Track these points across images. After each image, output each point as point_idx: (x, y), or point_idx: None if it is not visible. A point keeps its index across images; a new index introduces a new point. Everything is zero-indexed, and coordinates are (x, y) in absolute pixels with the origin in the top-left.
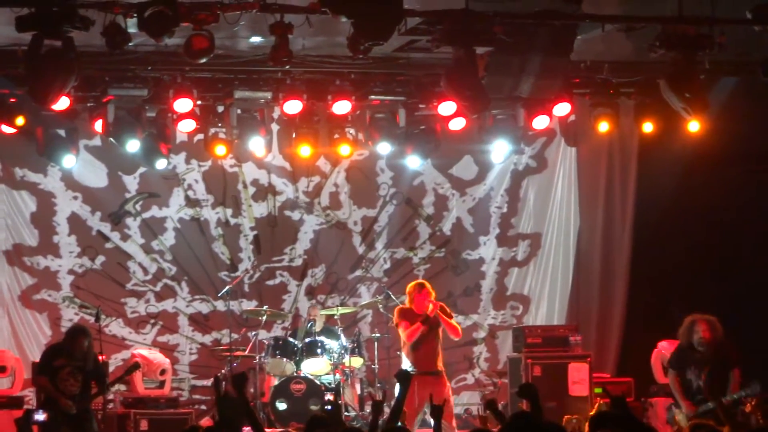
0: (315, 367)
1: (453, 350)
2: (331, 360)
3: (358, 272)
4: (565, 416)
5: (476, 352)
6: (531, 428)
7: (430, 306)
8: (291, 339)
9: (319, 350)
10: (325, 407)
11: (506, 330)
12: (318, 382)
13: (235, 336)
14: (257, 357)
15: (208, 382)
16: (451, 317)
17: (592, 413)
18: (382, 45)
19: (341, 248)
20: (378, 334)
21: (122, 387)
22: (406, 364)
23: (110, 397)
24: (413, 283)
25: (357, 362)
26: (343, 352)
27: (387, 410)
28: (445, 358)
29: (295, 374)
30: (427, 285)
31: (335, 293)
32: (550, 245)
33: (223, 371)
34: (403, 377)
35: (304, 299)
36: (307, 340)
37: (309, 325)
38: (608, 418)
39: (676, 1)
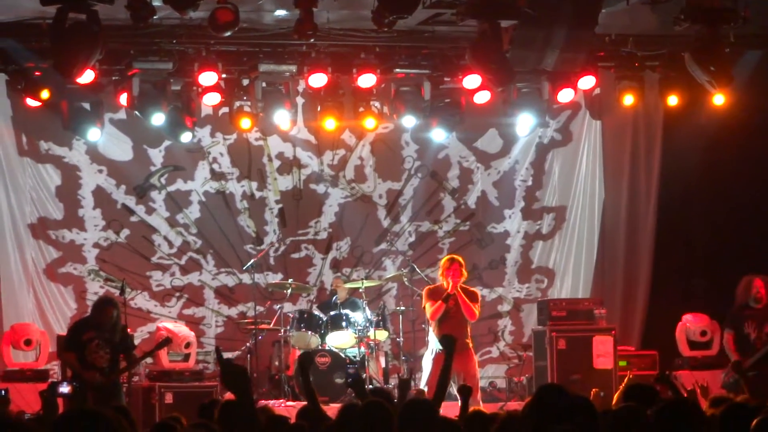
0: (340, 341)
1: (478, 323)
2: (356, 333)
3: (383, 245)
4: (593, 389)
5: (501, 325)
6: (560, 400)
7: (450, 283)
8: (316, 312)
9: (344, 323)
10: (348, 379)
11: (531, 303)
12: (343, 355)
13: (260, 309)
14: (282, 330)
15: (233, 355)
16: (474, 302)
17: (623, 385)
18: (406, 18)
19: (366, 221)
20: (403, 308)
21: (148, 360)
22: (434, 340)
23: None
24: (447, 256)
25: (382, 335)
26: (367, 325)
27: (413, 385)
28: (472, 331)
29: (320, 347)
30: (459, 260)
31: (360, 266)
32: (575, 218)
33: (247, 344)
34: (448, 342)
35: (329, 272)
36: (332, 313)
37: (334, 298)
38: (641, 390)
39: None
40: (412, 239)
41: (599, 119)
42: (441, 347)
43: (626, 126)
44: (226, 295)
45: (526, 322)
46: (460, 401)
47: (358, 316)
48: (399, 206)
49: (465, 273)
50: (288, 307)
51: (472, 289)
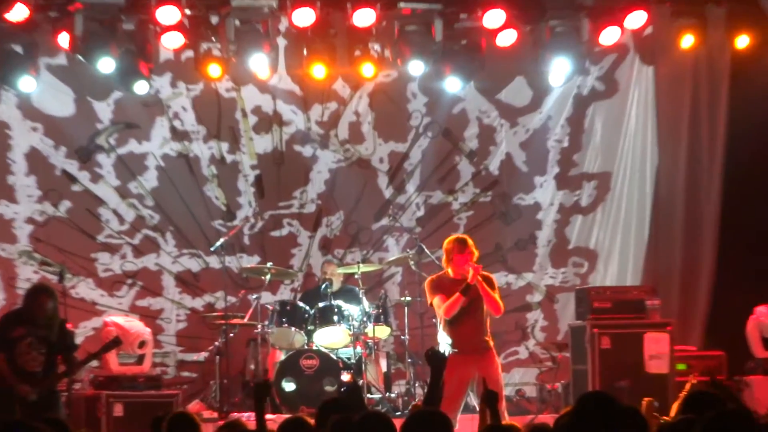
0: (331, 339)
1: (502, 317)
2: (350, 329)
3: (385, 221)
4: (645, 399)
5: (530, 320)
6: (604, 412)
7: (470, 271)
8: (301, 303)
9: (335, 317)
10: (341, 388)
11: (568, 292)
12: (334, 357)
13: (232, 300)
14: (259, 326)
15: (199, 357)
16: (494, 289)
17: (684, 393)
18: None
19: (363, 191)
20: (409, 298)
21: (93, 363)
22: (445, 340)
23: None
24: (453, 238)
25: (383, 332)
26: (365, 319)
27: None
28: (493, 326)
29: (305, 347)
30: (470, 242)
31: (356, 247)
32: (622, 188)
33: (215, 343)
34: (435, 360)
35: (317, 254)
36: (321, 304)
37: (324, 286)
38: (706, 399)
39: None
40: (420, 213)
41: (651, 65)
42: (428, 364)
43: (685, 74)
44: (189, 282)
45: (561, 315)
46: (480, 409)
47: (353, 309)
48: (404, 173)
49: (476, 255)
50: (266, 298)
51: (486, 273)
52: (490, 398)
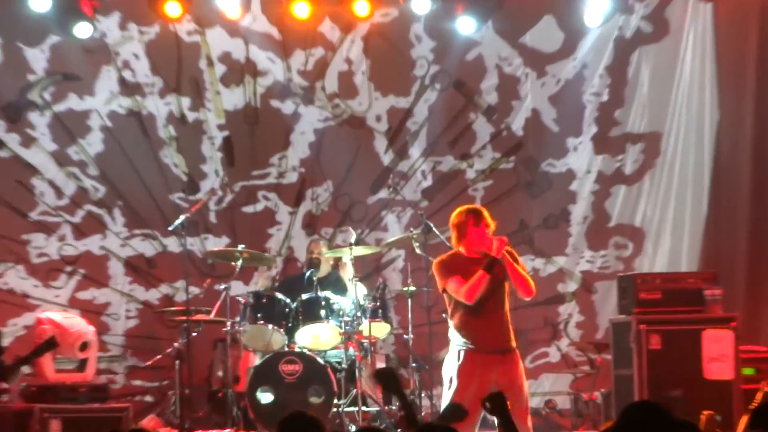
0: (317, 338)
1: (527, 310)
2: (341, 327)
3: (383, 193)
4: (704, 412)
5: (563, 314)
6: (654, 427)
7: (494, 242)
8: (280, 295)
9: (323, 312)
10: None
11: (608, 280)
12: (321, 361)
13: (195, 291)
14: (229, 323)
15: (154, 361)
16: (517, 262)
17: (754, 404)
18: None
19: (357, 157)
20: (413, 288)
21: (24, 369)
22: (457, 341)
23: (4, 385)
24: (464, 209)
25: (381, 330)
26: (359, 314)
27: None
28: (517, 322)
29: (286, 349)
30: (486, 213)
31: (348, 225)
32: (674, 151)
33: (174, 345)
34: (387, 379)
35: (301, 234)
36: (304, 296)
37: (308, 273)
38: None
39: None
40: (427, 183)
41: (710, 1)
42: (382, 380)
43: (750, 11)
44: (142, 270)
45: (600, 308)
46: (496, 423)
47: (344, 302)
48: (407, 133)
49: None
50: (237, 288)
51: (509, 248)
52: (495, 403)
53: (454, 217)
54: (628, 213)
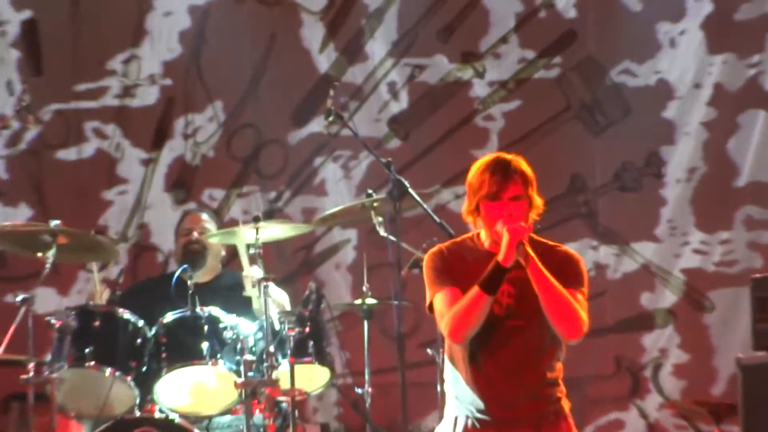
0: (193, 395)
1: (585, 344)
2: (238, 372)
3: (317, 125)
4: None
5: (651, 350)
6: None
7: (505, 234)
8: (127, 314)
9: (205, 345)
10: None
11: (736, 287)
12: None
13: None
14: (32, 364)
15: None
16: (575, 287)
17: None
18: None
19: (269, 56)
20: (372, 300)
21: None
22: (456, 403)
23: None
24: (485, 160)
25: (314, 378)
26: (273, 349)
27: None
28: (566, 368)
29: (138, 413)
30: (522, 167)
31: (252, 185)
32: None
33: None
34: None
35: (164, 201)
36: (172, 315)
37: (180, 271)
38: None
39: None
40: (399, 106)
41: None
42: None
43: None
44: None
45: (720, 338)
46: None
47: (245, 326)
48: (362, 15)
49: (538, 204)
50: (48, 301)
51: (562, 248)
52: None
53: (470, 172)
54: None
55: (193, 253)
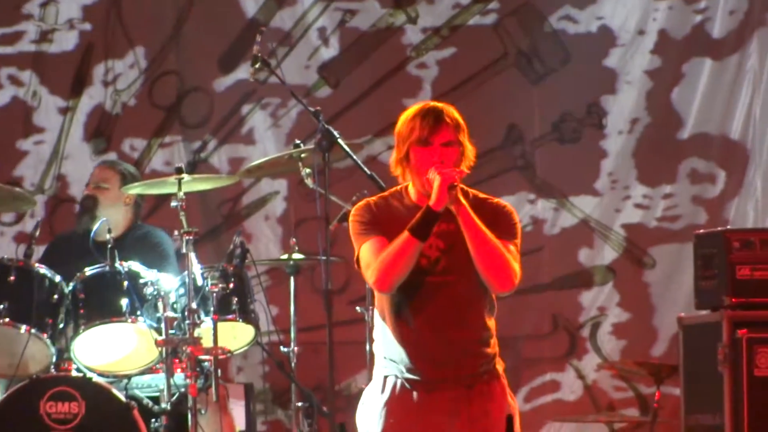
0: (111, 352)
1: (520, 301)
2: (159, 330)
3: (244, 72)
4: None
5: (590, 309)
6: None
7: (437, 178)
8: (43, 269)
9: (124, 301)
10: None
11: (678, 243)
12: (121, 397)
13: None
14: None
15: None
16: (508, 238)
17: None
18: None
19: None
20: (299, 255)
21: None
22: (385, 363)
23: None
24: (415, 108)
25: (239, 336)
26: (195, 305)
27: None
28: (500, 325)
29: (54, 372)
30: (453, 115)
31: (174, 134)
32: None
33: None
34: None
35: (83, 152)
36: (88, 271)
37: (99, 225)
38: None
39: None
40: (330, 52)
41: None
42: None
43: None
44: None
45: (660, 297)
46: None
47: (166, 280)
48: None
49: (470, 153)
50: None
51: (494, 199)
52: None
53: (400, 121)
54: (718, 114)
55: (82, 208)
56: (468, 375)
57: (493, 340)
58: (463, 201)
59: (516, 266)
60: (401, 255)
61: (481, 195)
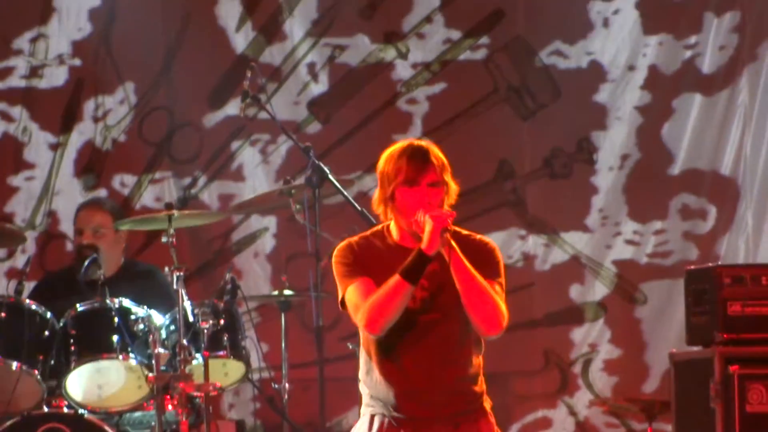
0: (103, 388)
1: (511, 337)
2: (149, 367)
3: (234, 108)
4: None
5: (581, 345)
6: None
7: (428, 222)
8: (34, 305)
9: (115, 338)
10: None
11: (669, 279)
12: None
13: None
14: None
15: None
16: (493, 277)
17: None
18: None
19: (185, 35)
20: (289, 292)
21: None
22: (370, 401)
23: None
24: (394, 147)
25: (230, 372)
26: (186, 342)
27: None
28: (488, 362)
29: (46, 409)
30: (436, 154)
31: (163, 170)
32: None
33: None
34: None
35: (73, 188)
36: (80, 307)
37: (89, 262)
38: None
39: None
40: (319, 89)
41: None
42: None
43: None
44: None
45: (652, 334)
46: None
47: (156, 317)
48: None
49: (453, 192)
50: None
51: (477, 236)
52: None
53: (381, 160)
54: (709, 150)
55: (84, 258)
56: (455, 413)
57: (481, 378)
58: (454, 245)
59: (504, 309)
60: (392, 298)
61: (464, 232)
